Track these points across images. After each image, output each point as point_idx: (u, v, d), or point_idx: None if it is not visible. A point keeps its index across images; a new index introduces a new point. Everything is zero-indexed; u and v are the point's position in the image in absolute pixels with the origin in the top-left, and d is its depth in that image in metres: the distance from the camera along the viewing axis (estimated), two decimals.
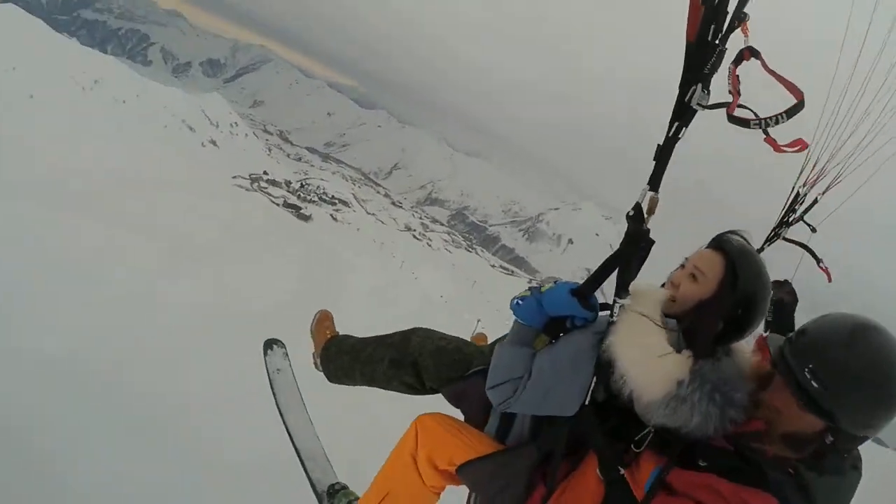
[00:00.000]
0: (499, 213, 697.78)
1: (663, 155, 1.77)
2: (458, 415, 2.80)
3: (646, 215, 1.89)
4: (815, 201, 3.07)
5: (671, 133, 1.74)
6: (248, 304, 9.39)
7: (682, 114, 1.70)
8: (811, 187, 2.99)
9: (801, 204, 3.12)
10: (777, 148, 1.63)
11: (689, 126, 1.77)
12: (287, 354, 4.19)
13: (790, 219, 3.14)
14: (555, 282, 2.25)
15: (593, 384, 2.13)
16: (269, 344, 4.19)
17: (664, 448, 2.03)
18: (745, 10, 1.59)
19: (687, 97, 1.65)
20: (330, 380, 3.38)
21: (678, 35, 1.66)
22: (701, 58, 1.62)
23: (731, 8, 1.57)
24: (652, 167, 1.81)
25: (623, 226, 1.97)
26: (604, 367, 2.13)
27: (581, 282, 2.21)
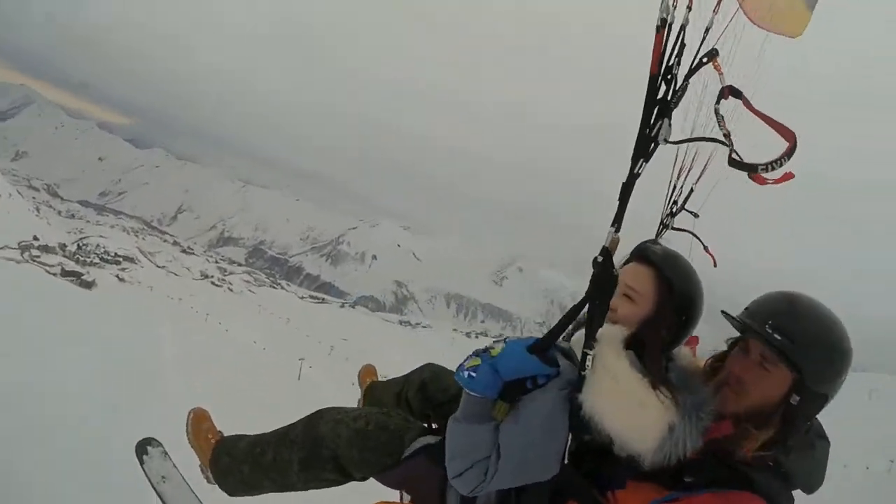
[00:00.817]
0: (298, 243, 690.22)
1: (626, 193, 1.69)
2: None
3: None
4: (692, 191, 3.16)
5: (636, 170, 1.66)
6: (39, 410, 7.32)
7: (646, 148, 1.64)
8: (685, 178, 3.04)
9: (680, 195, 3.21)
10: (763, 182, 1.62)
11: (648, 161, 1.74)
12: (167, 453, 3.40)
13: (674, 210, 3.22)
14: (504, 341, 2.04)
15: (569, 441, 2.03)
16: (142, 447, 3.35)
17: (648, 476, 1.99)
18: (716, 46, 1.71)
19: (653, 131, 1.59)
20: (231, 494, 2.88)
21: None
22: (664, 91, 1.61)
23: (696, 44, 1.65)
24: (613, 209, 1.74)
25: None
26: (578, 421, 1.99)
27: (528, 336, 2.05)
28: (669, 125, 1.62)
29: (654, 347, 2.17)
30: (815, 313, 2.02)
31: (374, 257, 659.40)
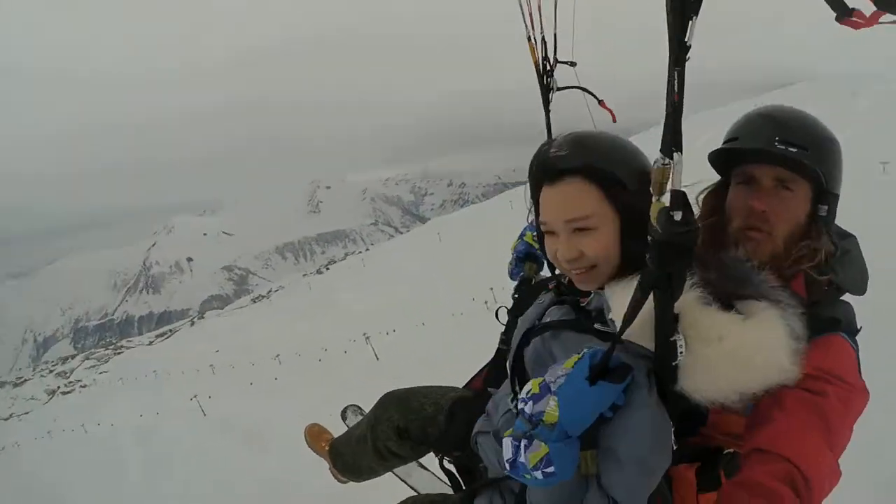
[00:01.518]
0: (110, 294, 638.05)
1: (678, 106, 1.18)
2: None
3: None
4: (554, 38, 2.45)
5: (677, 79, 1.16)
6: None
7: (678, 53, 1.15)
8: (542, 29, 2.42)
9: (546, 49, 2.49)
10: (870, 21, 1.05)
11: None
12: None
13: (548, 68, 2.50)
14: (550, 389, 1.42)
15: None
16: (345, 411, 4.03)
17: None
18: None
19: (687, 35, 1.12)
20: (365, 479, 3.01)
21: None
22: None
23: None
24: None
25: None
26: (682, 411, 1.54)
27: (571, 361, 1.45)
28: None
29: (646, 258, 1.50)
30: (804, 115, 1.90)
31: (190, 259, 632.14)
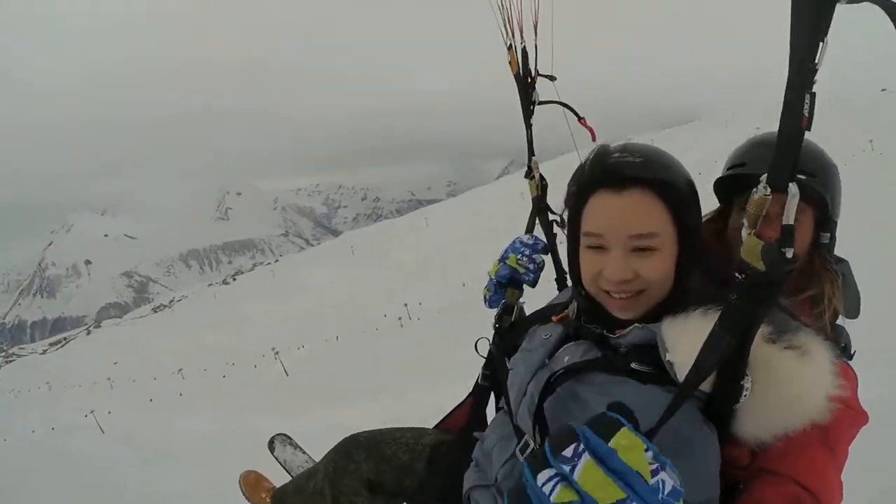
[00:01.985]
0: (1, 297, 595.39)
1: (793, 138, 1.12)
2: None
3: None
4: (536, 47, 2.38)
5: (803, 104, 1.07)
6: None
7: (805, 76, 1.06)
8: (523, 40, 2.35)
9: (526, 60, 2.41)
10: None
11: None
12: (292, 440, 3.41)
13: (529, 80, 2.38)
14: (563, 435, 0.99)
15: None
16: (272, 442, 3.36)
17: None
18: None
19: (816, 57, 1.04)
20: None
21: None
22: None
23: None
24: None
25: None
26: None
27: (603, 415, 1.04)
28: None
29: (708, 286, 1.50)
30: (809, 142, 1.67)
31: (88, 262, 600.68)
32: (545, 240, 2.24)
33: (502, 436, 1.73)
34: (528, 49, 2.31)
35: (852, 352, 1.90)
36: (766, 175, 1.13)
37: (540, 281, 2.16)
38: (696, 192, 1.54)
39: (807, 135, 1.22)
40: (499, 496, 1.66)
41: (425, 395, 11.52)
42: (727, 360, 1.26)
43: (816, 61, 1.03)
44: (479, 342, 2.20)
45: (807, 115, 1.05)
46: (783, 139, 1.11)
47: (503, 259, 2.17)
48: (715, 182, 2.03)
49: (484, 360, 2.22)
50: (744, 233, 1.16)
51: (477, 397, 2.25)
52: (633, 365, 1.43)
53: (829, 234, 1.87)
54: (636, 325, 1.48)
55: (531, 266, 2.11)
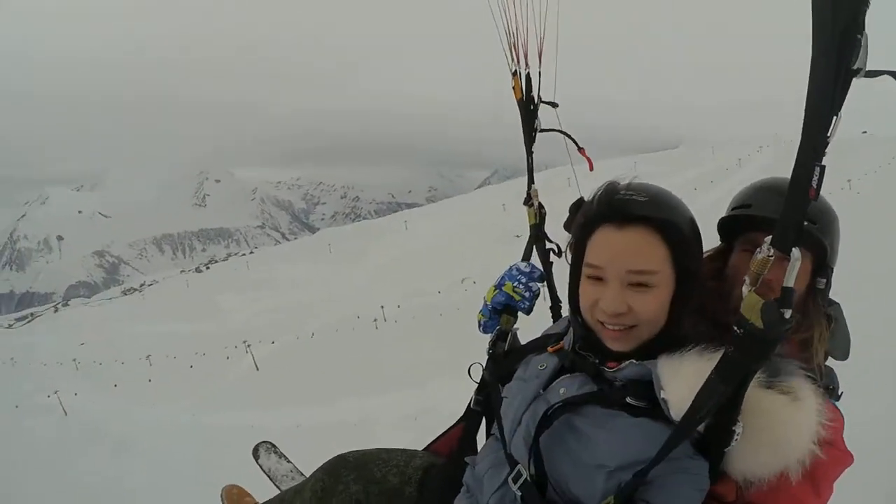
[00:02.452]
0: None
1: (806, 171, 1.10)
2: None
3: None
4: (540, 74, 2.35)
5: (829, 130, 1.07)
6: None
7: (817, 148, 1.09)
8: (527, 67, 2.36)
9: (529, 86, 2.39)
10: None
11: None
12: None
13: (532, 106, 2.39)
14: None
15: None
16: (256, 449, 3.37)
17: None
18: None
19: (830, 130, 1.06)
20: None
21: None
22: None
23: None
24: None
25: None
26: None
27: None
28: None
29: (701, 326, 1.58)
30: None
31: (60, 238, 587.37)
32: (542, 268, 2.25)
33: (494, 463, 1.72)
34: (531, 75, 2.30)
35: (840, 392, 1.94)
36: (770, 238, 1.16)
37: (535, 309, 2.17)
38: (699, 235, 1.58)
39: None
40: None
41: (397, 398, 11.44)
42: (725, 408, 1.31)
43: (829, 134, 1.05)
44: (472, 367, 2.20)
45: (815, 186, 1.07)
46: (790, 206, 1.13)
47: (499, 286, 2.18)
48: (719, 221, 2.07)
49: (476, 385, 2.21)
50: (745, 290, 1.20)
51: (468, 422, 2.23)
52: (627, 399, 1.47)
53: (825, 280, 1.90)
54: (632, 361, 1.52)
55: (527, 294, 2.13)
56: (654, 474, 1.37)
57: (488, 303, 2.19)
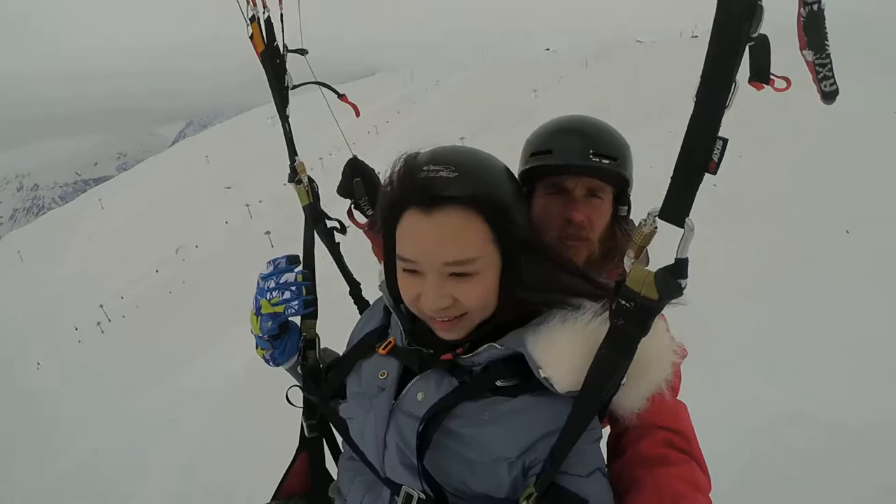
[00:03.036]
0: None
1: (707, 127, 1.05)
2: None
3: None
4: (281, 19, 2.02)
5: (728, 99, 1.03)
6: None
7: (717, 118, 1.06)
8: (266, 10, 1.96)
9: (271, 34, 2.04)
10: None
11: None
12: None
13: (278, 60, 2.01)
14: None
15: None
16: None
17: None
18: None
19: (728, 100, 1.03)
20: None
21: None
22: None
23: None
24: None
25: None
26: None
27: None
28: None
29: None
30: (607, 126, 1.97)
31: None
32: (303, 254, 1.93)
33: (366, 486, 1.56)
34: (272, 20, 1.89)
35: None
36: (657, 210, 1.13)
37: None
38: (519, 191, 1.43)
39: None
40: None
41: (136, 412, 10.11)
42: (616, 371, 1.30)
43: (728, 104, 1.02)
44: (289, 392, 1.90)
45: (716, 160, 1.05)
46: (682, 180, 1.08)
47: (258, 311, 1.79)
48: (523, 172, 2.01)
49: (302, 410, 1.96)
50: (627, 263, 1.21)
51: (311, 450, 1.97)
52: (497, 383, 1.40)
53: (626, 207, 2.01)
54: (491, 344, 1.41)
55: (288, 294, 1.74)
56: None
57: (261, 334, 1.81)
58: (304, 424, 1.93)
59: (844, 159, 10.96)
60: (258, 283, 1.78)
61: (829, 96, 1.04)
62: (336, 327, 1.85)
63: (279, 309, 1.75)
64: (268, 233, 17.14)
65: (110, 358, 14.73)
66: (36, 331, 20.08)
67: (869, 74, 15.75)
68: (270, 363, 1.87)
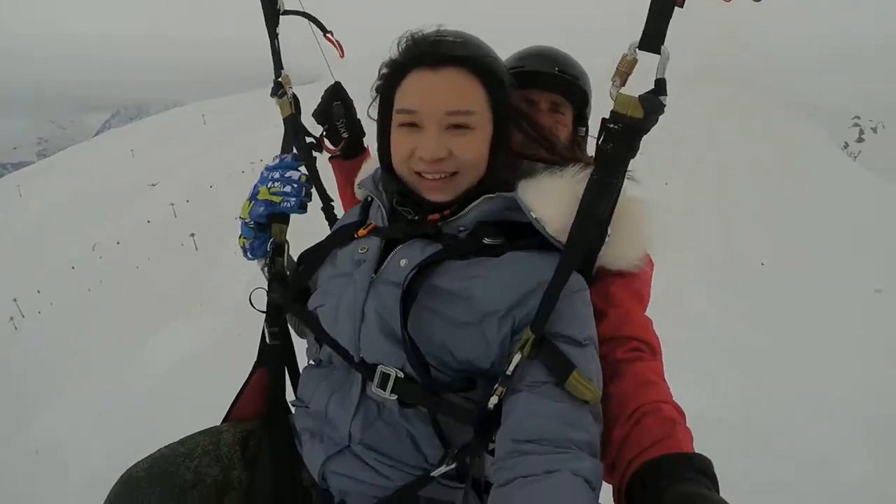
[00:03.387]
0: None
1: None
2: None
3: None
4: None
5: None
6: None
7: None
8: None
9: None
10: None
11: None
12: None
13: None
14: None
15: None
16: None
17: None
18: None
19: None
20: None
21: None
22: None
23: None
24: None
25: None
26: None
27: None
28: None
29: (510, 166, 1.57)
30: (567, 54, 2.19)
31: None
32: (301, 159, 1.93)
33: (332, 388, 1.52)
34: None
35: None
36: (636, 41, 1.28)
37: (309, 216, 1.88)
38: (512, 80, 1.56)
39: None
40: (366, 451, 1.43)
41: (56, 421, 9.82)
42: (607, 206, 1.40)
43: None
44: (253, 294, 1.84)
45: None
46: (657, 9, 1.25)
47: (253, 196, 1.82)
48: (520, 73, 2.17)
49: (265, 316, 1.84)
50: (613, 90, 1.33)
51: (270, 364, 1.85)
52: (484, 241, 1.45)
53: (584, 129, 2.18)
54: (485, 195, 1.48)
55: (288, 188, 1.78)
56: (560, 304, 1.34)
57: (247, 219, 1.83)
58: (266, 331, 1.85)
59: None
60: (261, 173, 1.83)
61: None
62: (306, 243, 1.84)
63: (276, 199, 1.78)
64: (192, 235, 16.83)
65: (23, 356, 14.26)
66: None
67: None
68: (248, 254, 1.87)
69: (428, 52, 1.45)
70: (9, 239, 32.67)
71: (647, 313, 1.72)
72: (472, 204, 1.49)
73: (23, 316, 17.04)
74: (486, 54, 1.49)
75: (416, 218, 1.53)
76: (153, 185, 28.80)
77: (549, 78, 2.10)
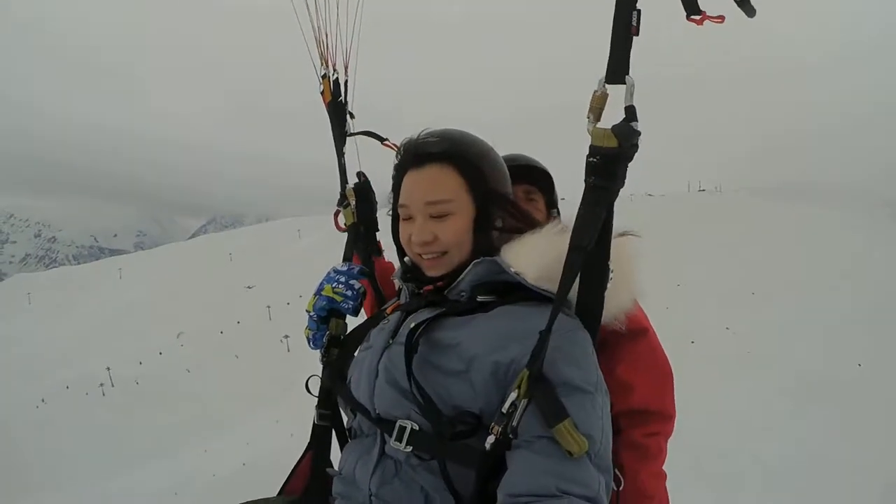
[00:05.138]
0: None
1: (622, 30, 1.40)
2: None
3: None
4: (346, 83, 2.40)
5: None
6: None
7: None
8: (335, 72, 2.37)
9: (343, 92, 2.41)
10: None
11: None
12: None
13: (341, 111, 2.39)
14: None
15: None
16: None
17: None
18: None
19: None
20: None
21: None
22: None
23: None
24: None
25: None
26: None
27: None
28: None
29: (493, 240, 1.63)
30: (527, 157, 2.32)
31: None
32: (365, 266, 2.14)
33: (360, 453, 1.60)
34: (339, 81, 2.32)
35: None
36: (603, 77, 1.35)
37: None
38: (496, 163, 1.67)
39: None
40: None
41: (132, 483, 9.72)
42: (603, 238, 1.41)
43: None
44: (310, 381, 1.98)
45: (635, 24, 1.33)
46: (618, 44, 1.35)
47: (318, 291, 2.04)
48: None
49: (317, 400, 1.99)
50: (588, 126, 1.37)
51: (317, 443, 2.01)
52: (478, 299, 1.54)
53: (556, 210, 2.31)
54: (474, 262, 1.55)
55: (349, 293, 1.99)
56: (554, 343, 1.34)
57: (311, 312, 2.02)
58: (316, 414, 1.99)
59: None
60: (329, 273, 2.04)
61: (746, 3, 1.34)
62: None
63: (338, 298, 1.97)
64: (286, 337, 17.06)
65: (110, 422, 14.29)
66: (45, 372, 19.56)
67: None
68: (311, 344, 2.03)
69: (413, 154, 1.65)
70: (105, 315, 33.91)
71: None
72: (465, 271, 1.57)
73: (112, 385, 17.21)
74: (460, 146, 1.63)
75: (419, 291, 1.67)
76: (250, 287, 29.82)
77: (521, 170, 2.18)
